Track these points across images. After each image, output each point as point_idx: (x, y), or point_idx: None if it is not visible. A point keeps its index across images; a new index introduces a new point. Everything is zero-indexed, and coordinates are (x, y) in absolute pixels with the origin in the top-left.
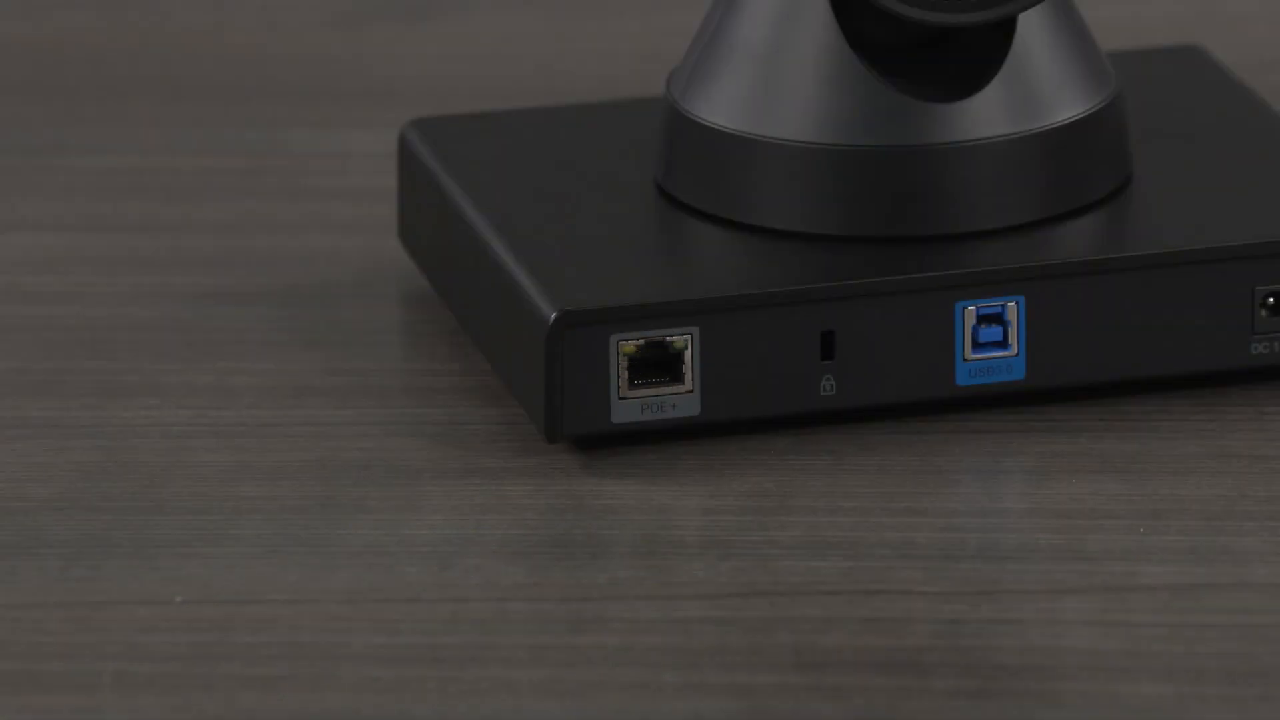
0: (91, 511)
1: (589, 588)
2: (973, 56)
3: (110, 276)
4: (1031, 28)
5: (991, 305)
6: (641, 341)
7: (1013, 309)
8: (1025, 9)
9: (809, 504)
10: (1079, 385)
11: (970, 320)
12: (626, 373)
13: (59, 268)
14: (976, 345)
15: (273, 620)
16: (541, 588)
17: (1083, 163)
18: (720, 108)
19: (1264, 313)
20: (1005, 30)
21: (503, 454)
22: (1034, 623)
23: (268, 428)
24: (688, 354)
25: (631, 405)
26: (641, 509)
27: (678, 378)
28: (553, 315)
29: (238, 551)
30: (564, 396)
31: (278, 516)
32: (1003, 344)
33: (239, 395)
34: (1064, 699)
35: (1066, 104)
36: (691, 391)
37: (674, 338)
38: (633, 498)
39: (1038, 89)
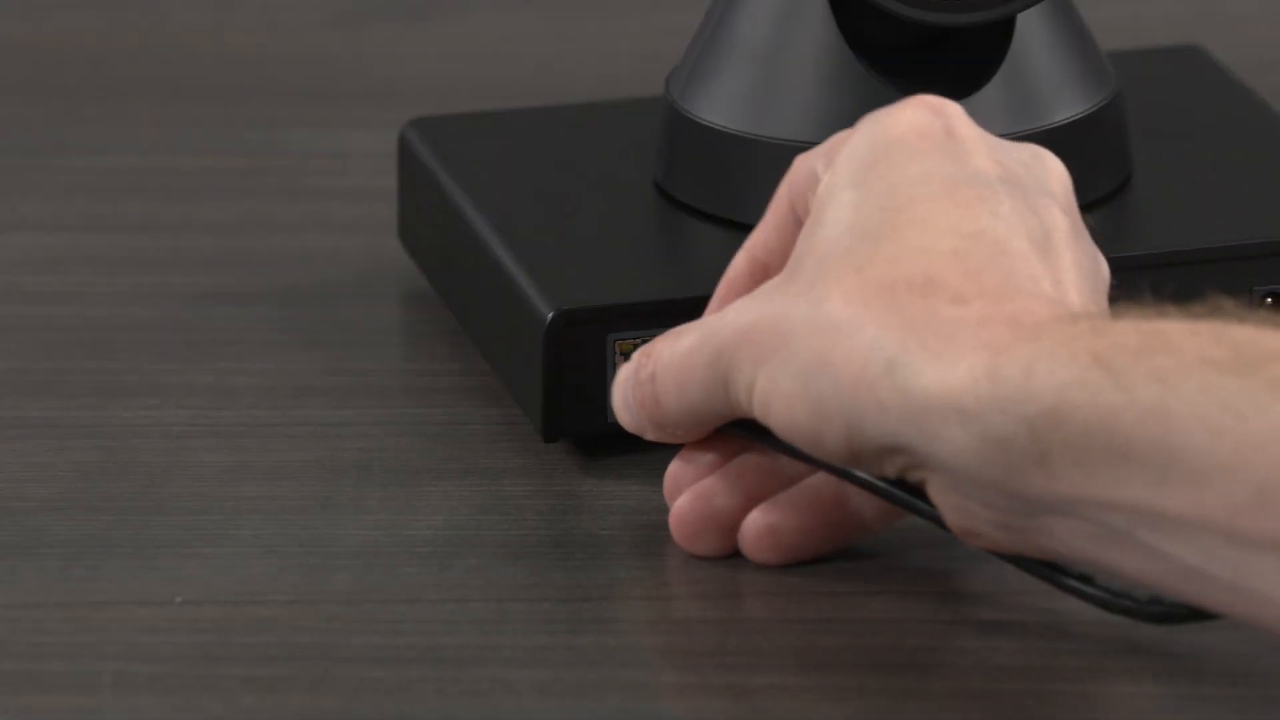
0: (91, 511)
1: (589, 588)
2: (972, 56)
3: (110, 276)
4: (1031, 28)
5: None
6: (639, 341)
7: None
8: (1024, 9)
9: None
10: None
11: None
12: None
13: (59, 268)
14: None
15: (273, 620)
16: (541, 588)
17: (1082, 162)
18: (719, 107)
19: (1264, 312)
20: (1004, 30)
21: (502, 454)
22: (1034, 623)
23: (268, 428)
24: None
25: None
26: (641, 509)
27: None
28: (550, 315)
29: (238, 551)
30: (562, 396)
31: (277, 516)
32: None
33: (239, 395)
34: (1064, 699)
35: (1066, 104)
36: None
37: None
38: (633, 498)
39: (1037, 89)
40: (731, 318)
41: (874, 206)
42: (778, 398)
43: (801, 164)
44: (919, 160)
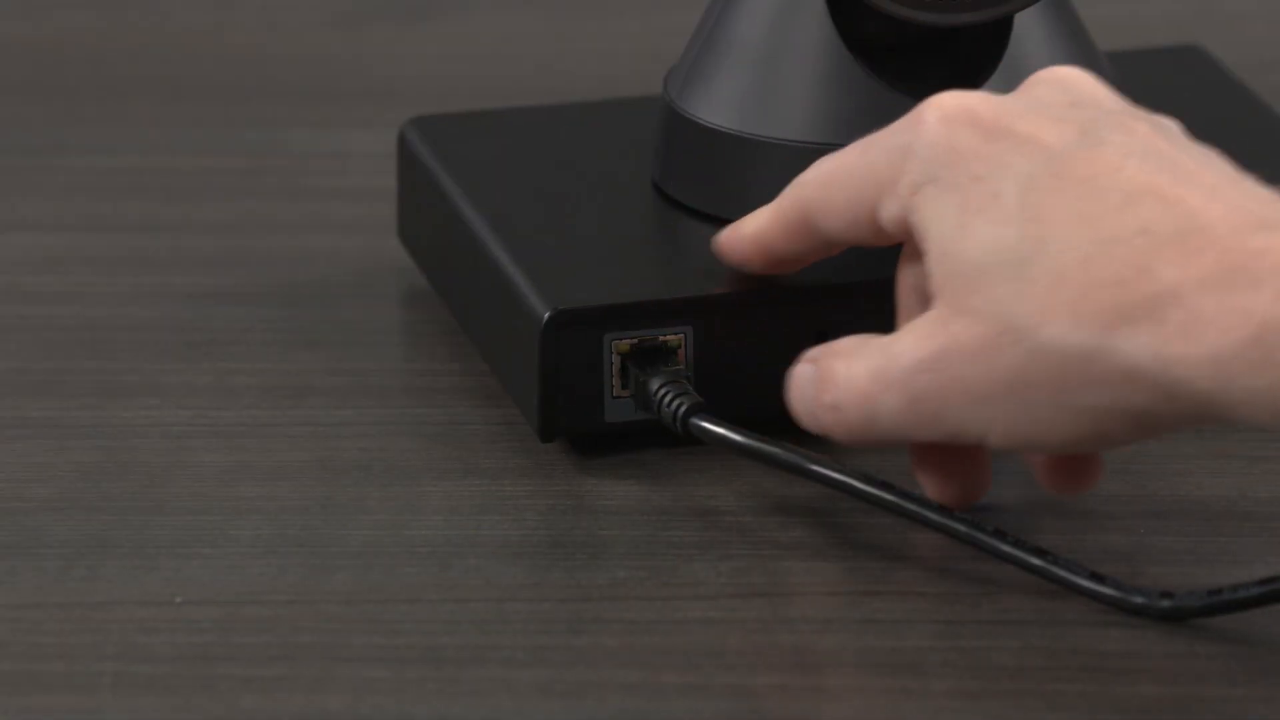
0: (91, 511)
1: (589, 588)
2: (970, 56)
3: (110, 276)
4: (1028, 28)
5: None
6: (635, 340)
7: None
8: (1021, 8)
9: (809, 504)
10: None
11: None
12: (620, 371)
13: (59, 268)
14: None
15: (273, 620)
16: (541, 588)
17: None
18: (717, 107)
19: None
20: (1002, 30)
21: (502, 454)
22: (1034, 623)
23: (268, 428)
24: (681, 353)
25: (625, 404)
26: (641, 509)
27: None
28: (546, 314)
29: (238, 551)
30: (558, 395)
31: (277, 517)
32: None
33: (239, 395)
34: (1064, 699)
35: None
36: None
37: (668, 337)
38: (632, 498)
39: None
40: (920, 361)
41: (1017, 231)
42: (1037, 433)
43: (846, 178)
44: (1003, 167)
